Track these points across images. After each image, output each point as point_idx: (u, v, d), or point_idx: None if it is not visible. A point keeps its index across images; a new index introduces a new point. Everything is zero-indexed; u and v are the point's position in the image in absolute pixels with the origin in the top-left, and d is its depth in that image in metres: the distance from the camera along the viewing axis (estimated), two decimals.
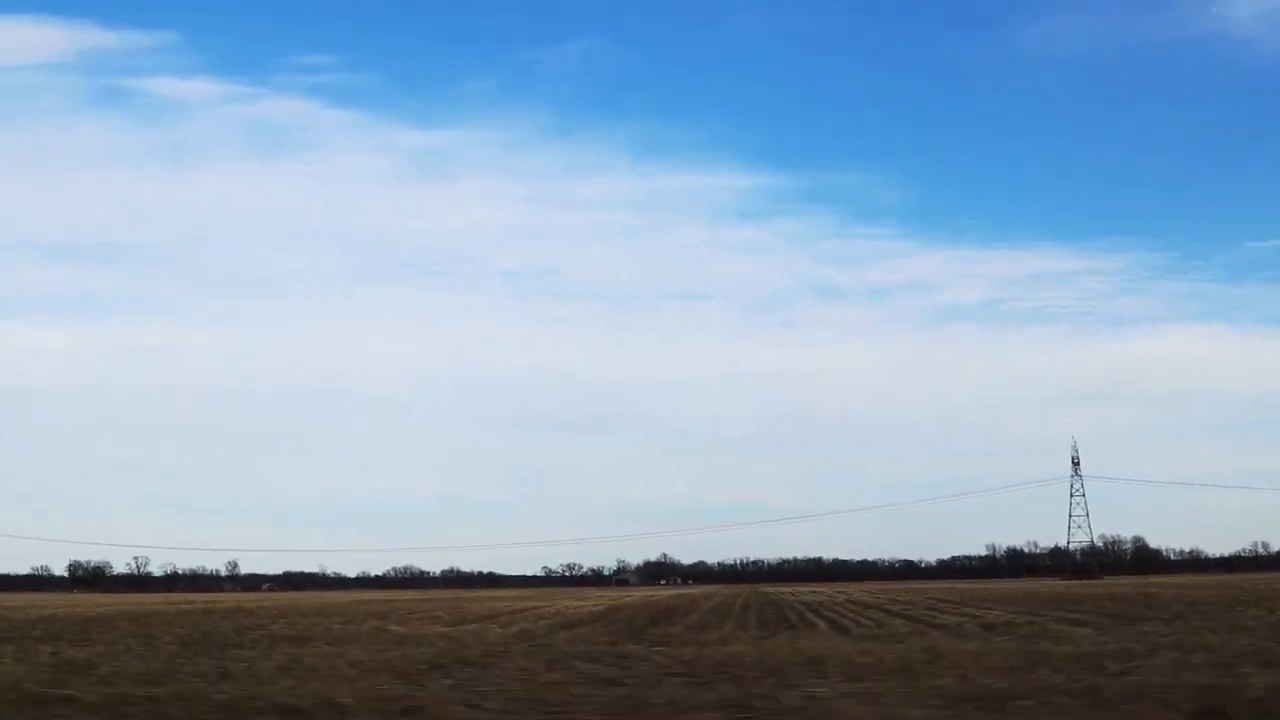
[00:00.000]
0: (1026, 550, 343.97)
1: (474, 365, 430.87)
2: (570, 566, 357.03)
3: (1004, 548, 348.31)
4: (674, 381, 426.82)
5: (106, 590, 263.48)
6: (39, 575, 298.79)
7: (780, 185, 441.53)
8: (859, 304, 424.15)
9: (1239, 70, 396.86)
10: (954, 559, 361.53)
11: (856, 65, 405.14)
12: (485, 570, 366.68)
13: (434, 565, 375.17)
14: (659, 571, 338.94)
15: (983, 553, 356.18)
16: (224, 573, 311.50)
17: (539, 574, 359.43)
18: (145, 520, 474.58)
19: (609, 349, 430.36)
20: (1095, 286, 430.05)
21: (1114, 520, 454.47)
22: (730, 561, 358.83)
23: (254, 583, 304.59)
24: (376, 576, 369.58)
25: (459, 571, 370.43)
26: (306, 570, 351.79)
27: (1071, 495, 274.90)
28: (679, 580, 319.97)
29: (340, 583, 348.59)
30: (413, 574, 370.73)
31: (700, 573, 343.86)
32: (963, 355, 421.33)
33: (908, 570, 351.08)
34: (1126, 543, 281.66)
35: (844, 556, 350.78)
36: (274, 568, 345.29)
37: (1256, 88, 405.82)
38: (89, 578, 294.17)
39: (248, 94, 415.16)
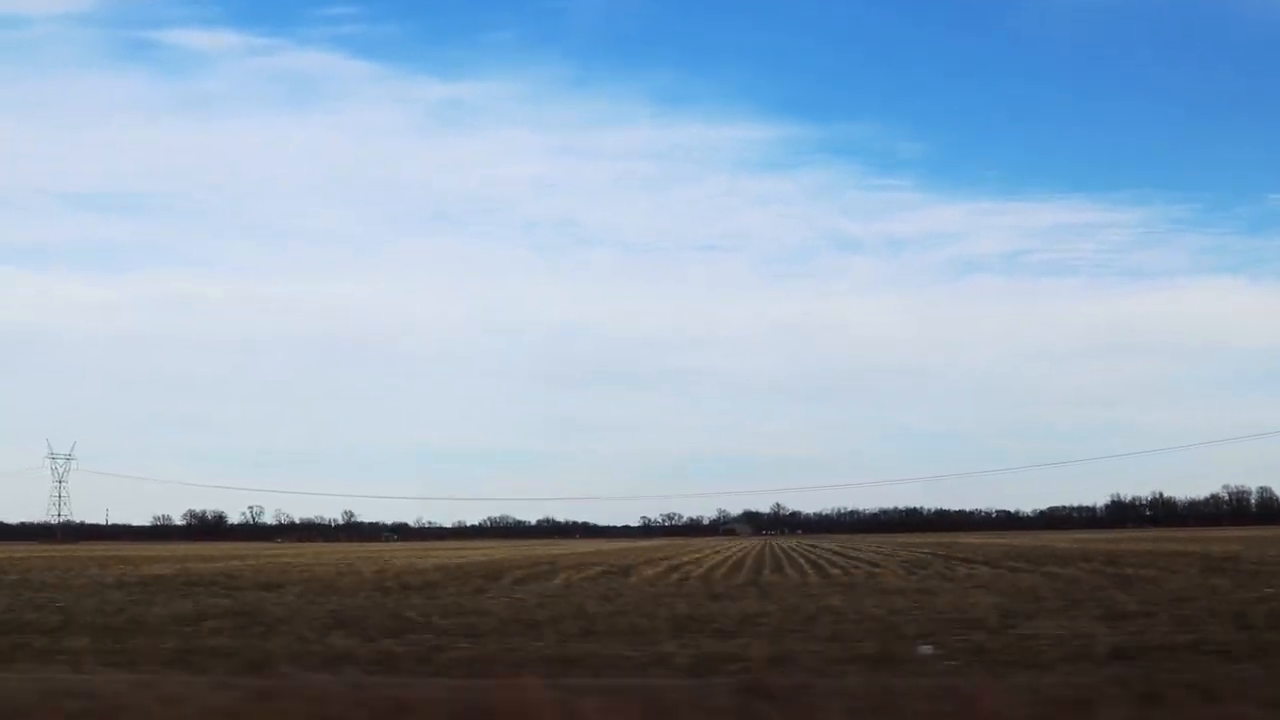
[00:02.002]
0: (1149, 500, 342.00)
1: (501, 316, 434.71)
2: (670, 516, 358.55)
3: (1129, 498, 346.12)
4: (698, 333, 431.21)
5: (224, 540, 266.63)
6: (161, 526, 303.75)
7: (801, 136, 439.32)
8: (880, 256, 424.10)
9: (1264, 21, 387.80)
10: (1052, 510, 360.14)
11: (878, 15, 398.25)
12: (581, 520, 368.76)
13: (530, 515, 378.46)
14: (763, 522, 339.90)
15: (1087, 503, 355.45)
16: (340, 521, 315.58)
17: (637, 524, 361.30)
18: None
19: (632, 300, 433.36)
20: (1115, 239, 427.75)
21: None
22: (827, 511, 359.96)
23: (372, 531, 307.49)
24: (472, 526, 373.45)
25: (554, 521, 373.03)
26: (405, 520, 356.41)
27: None
28: (783, 530, 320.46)
29: (438, 533, 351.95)
30: (509, 524, 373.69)
31: (799, 522, 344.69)
32: (986, 307, 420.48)
33: (1007, 521, 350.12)
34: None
35: (945, 507, 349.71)
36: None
37: None
38: (207, 528, 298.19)
39: (269, 45, 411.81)
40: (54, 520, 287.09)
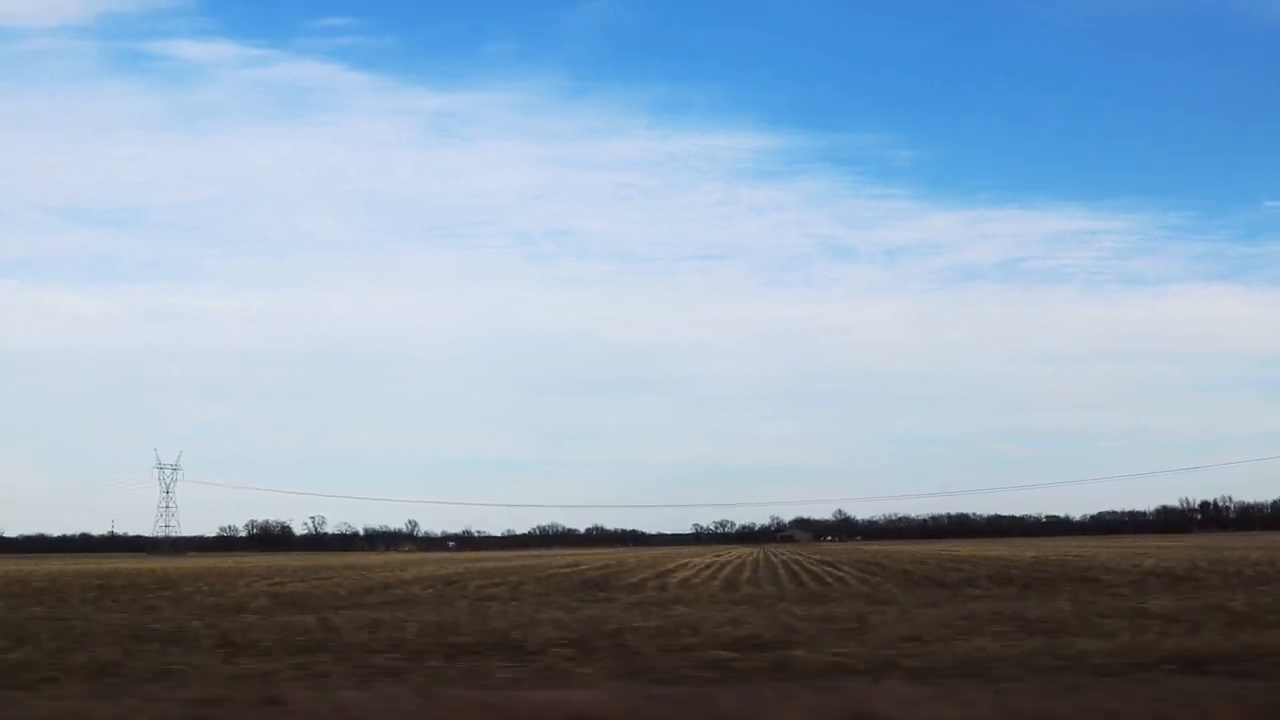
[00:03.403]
0: (1220, 504, 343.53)
1: (497, 326, 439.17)
2: (722, 524, 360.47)
3: (1198, 501, 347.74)
4: (696, 342, 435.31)
5: (288, 550, 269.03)
6: (227, 536, 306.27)
7: (797, 145, 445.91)
8: (877, 264, 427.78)
9: (1259, 28, 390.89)
10: (1102, 515, 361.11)
11: (873, 24, 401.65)
12: (630, 528, 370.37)
13: (579, 523, 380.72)
14: (817, 528, 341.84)
15: (1140, 508, 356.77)
16: (405, 531, 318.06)
17: (688, 531, 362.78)
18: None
19: (629, 309, 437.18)
20: (1111, 246, 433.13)
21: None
22: (875, 518, 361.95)
23: (438, 543, 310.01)
24: (523, 535, 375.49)
25: (603, 530, 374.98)
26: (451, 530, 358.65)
27: None
28: (841, 537, 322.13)
29: (487, 542, 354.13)
30: (558, 532, 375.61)
31: (856, 528, 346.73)
32: (982, 314, 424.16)
33: (1058, 526, 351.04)
34: None
35: (1000, 513, 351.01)
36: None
37: (1276, 45, 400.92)
38: (273, 539, 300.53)
39: (266, 57, 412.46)
40: (161, 533, 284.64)
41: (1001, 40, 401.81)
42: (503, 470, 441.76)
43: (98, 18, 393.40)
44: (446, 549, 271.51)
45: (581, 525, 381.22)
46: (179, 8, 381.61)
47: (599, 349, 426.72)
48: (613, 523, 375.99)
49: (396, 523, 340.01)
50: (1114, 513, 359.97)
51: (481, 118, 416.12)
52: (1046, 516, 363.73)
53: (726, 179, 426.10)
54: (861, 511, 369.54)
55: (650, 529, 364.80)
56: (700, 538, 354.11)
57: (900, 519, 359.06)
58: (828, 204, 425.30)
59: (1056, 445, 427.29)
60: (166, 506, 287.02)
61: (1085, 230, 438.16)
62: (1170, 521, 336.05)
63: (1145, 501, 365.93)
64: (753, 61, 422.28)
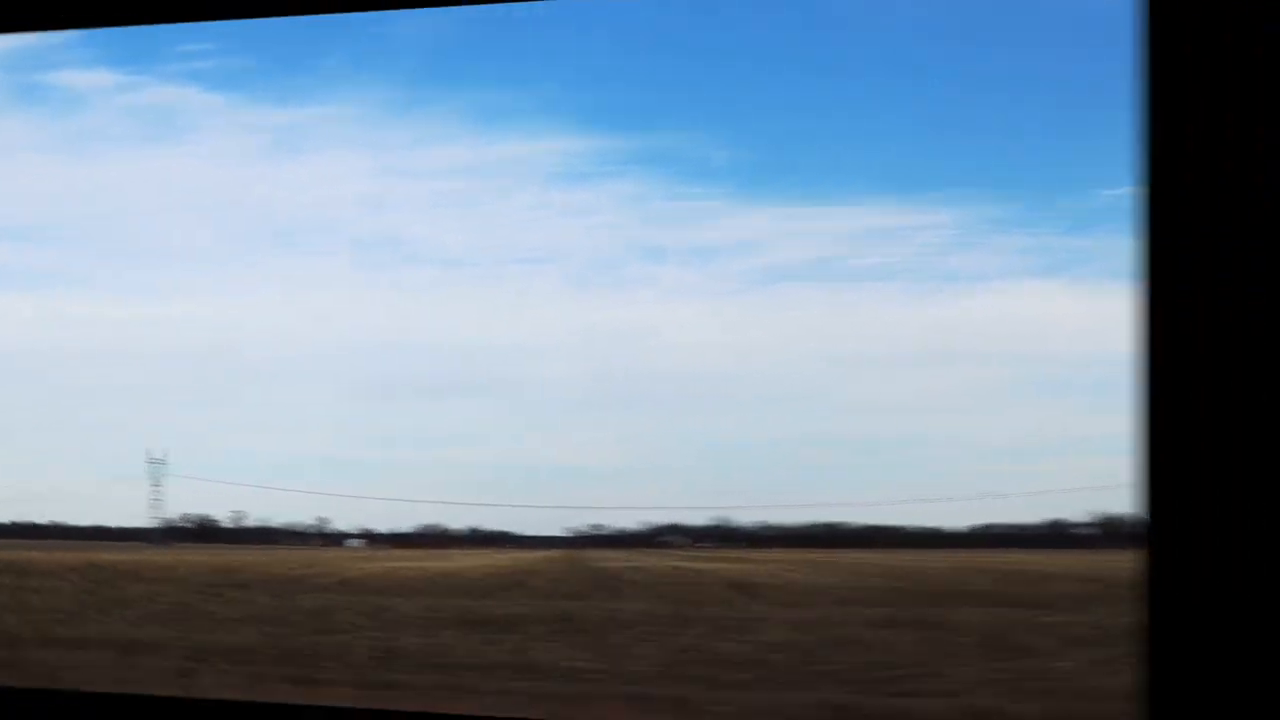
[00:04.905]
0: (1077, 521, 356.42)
1: (334, 330, 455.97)
2: (596, 527, 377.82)
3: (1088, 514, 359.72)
4: (516, 344, 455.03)
5: (211, 543, 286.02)
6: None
7: (609, 147, 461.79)
8: (689, 265, 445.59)
9: (1095, 12, 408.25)
10: (989, 526, 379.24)
11: (682, 21, 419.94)
12: (503, 530, 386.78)
13: (460, 522, 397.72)
14: (697, 534, 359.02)
15: (1022, 519, 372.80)
16: (315, 527, 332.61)
17: (561, 535, 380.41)
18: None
19: (455, 313, 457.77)
20: (931, 241, 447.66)
21: None
22: (749, 525, 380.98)
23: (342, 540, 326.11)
24: (403, 534, 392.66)
25: (479, 531, 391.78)
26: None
27: None
28: (711, 544, 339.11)
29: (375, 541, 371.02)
30: (435, 534, 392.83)
31: (726, 535, 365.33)
32: (797, 314, 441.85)
33: (939, 538, 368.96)
34: None
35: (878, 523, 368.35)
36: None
37: (1109, 29, 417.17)
38: (196, 532, 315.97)
39: (136, 82, 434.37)
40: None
41: (813, 30, 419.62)
42: (340, 470, 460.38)
43: (3, 54, 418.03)
44: (347, 546, 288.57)
45: (461, 525, 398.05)
46: (68, 40, 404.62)
47: (426, 353, 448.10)
48: (491, 524, 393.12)
49: (304, 519, 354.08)
50: (1002, 525, 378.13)
51: (320, 130, 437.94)
52: (923, 526, 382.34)
53: (542, 183, 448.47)
54: (743, 517, 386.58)
55: (526, 531, 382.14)
56: (574, 541, 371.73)
57: (771, 527, 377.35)
58: (641, 206, 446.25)
59: (888, 453, 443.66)
60: (156, 500, 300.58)
61: (902, 225, 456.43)
62: (1060, 535, 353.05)
63: (1033, 513, 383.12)
64: (571, 64, 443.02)
